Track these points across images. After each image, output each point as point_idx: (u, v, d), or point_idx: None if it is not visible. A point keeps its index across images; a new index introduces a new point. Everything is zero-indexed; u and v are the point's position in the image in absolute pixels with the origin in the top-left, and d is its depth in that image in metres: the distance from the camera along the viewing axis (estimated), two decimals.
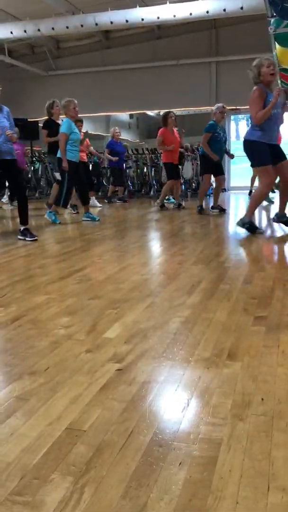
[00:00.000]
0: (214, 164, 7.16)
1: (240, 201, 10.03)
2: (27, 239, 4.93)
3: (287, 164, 4.76)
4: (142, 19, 10.34)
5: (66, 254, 4.10)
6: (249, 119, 4.85)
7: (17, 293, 2.81)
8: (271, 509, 1.01)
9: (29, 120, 11.79)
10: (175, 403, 1.48)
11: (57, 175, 6.77)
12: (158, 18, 10.29)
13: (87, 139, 8.72)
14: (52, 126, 7.11)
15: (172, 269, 3.37)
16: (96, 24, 10.56)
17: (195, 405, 1.45)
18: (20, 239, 4.98)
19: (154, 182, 11.75)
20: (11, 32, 10.99)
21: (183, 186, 11.77)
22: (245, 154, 4.92)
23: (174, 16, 10.13)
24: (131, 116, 18.35)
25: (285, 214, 5.10)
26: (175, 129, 8.18)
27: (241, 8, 9.62)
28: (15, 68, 14.09)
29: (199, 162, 11.28)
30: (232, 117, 13.56)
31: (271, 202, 8.99)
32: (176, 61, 13.00)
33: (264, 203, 8.89)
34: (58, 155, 6.31)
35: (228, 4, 9.68)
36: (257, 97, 4.59)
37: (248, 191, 11.54)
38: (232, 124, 13.85)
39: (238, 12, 9.83)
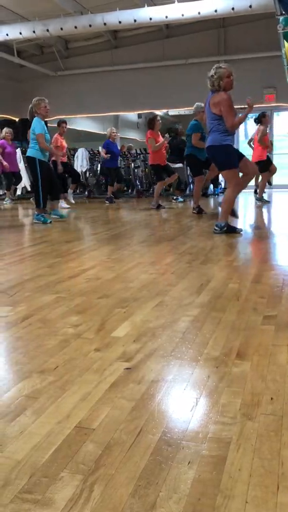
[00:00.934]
0: (202, 163, 7.21)
1: (249, 200, 9.98)
2: None
3: (246, 159, 5.06)
4: (151, 19, 10.32)
5: (75, 253, 4.11)
6: (212, 122, 4.99)
7: (27, 292, 2.82)
8: (281, 509, 1.01)
9: None
10: (184, 402, 1.47)
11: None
12: (167, 17, 10.27)
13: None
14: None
15: (181, 268, 3.37)
16: (105, 24, 10.56)
17: (204, 404, 1.45)
18: None
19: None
20: (20, 33, 11.03)
21: (191, 186, 11.77)
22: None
23: (183, 15, 10.11)
24: (139, 115, 18.34)
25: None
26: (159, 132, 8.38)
27: (250, 6, 9.57)
28: (24, 69, 14.15)
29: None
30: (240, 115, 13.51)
31: (266, 201, 8.96)
32: (184, 60, 12.97)
33: (258, 203, 8.90)
34: (30, 154, 6.32)
35: (236, 2, 9.64)
36: (231, 103, 4.85)
37: (254, 189, 11.58)
38: None
39: (246, 11, 9.79)
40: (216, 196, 11.22)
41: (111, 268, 3.44)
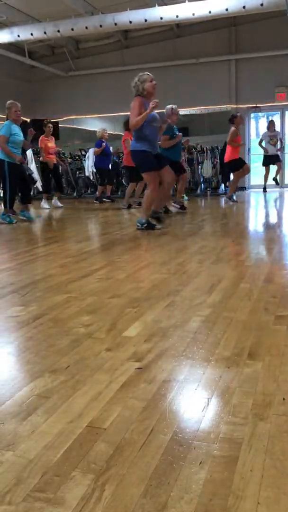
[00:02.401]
0: (174, 163, 7.38)
1: (260, 199, 9.93)
2: None
3: (167, 168, 5.56)
4: (161, 18, 10.32)
5: (86, 253, 4.12)
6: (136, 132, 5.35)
7: (38, 292, 2.84)
8: None
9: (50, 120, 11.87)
10: (196, 402, 1.47)
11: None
12: (177, 16, 10.26)
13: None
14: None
15: (192, 268, 3.36)
16: (115, 24, 10.58)
17: (215, 404, 1.45)
18: None
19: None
20: (31, 34, 11.10)
21: (202, 185, 11.76)
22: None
23: (193, 14, 10.09)
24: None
25: (157, 211, 5.71)
26: None
27: (261, 4, 9.52)
28: (35, 69, 14.22)
29: (219, 161, 11.26)
30: (252, 115, 13.46)
31: (235, 202, 9.01)
32: (195, 60, 12.94)
33: (228, 202, 8.99)
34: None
35: (247, 1, 9.59)
36: (137, 106, 5.17)
37: (262, 188, 11.59)
38: (252, 122, 13.74)
39: (258, 9, 9.74)
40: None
41: (122, 268, 3.44)
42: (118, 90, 13.88)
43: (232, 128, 8.56)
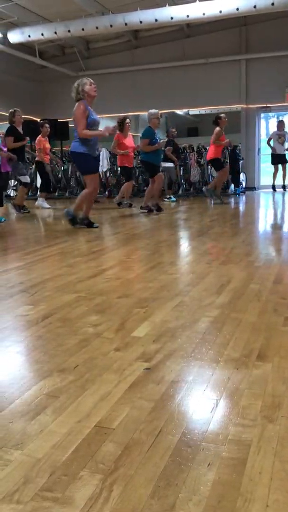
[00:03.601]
0: (155, 166, 7.69)
1: (269, 199, 9.89)
2: None
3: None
4: (172, 18, 10.30)
5: (95, 253, 4.13)
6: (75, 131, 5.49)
7: (47, 292, 2.84)
8: None
9: (59, 120, 11.90)
10: (204, 403, 1.46)
11: (22, 178, 7.81)
12: (188, 16, 10.23)
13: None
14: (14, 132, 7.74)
15: (201, 268, 3.35)
16: (126, 24, 10.58)
17: (224, 405, 1.44)
18: None
19: (182, 180, 11.70)
20: (42, 34, 11.14)
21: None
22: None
23: (204, 14, 10.05)
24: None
25: (87, 217, 5.74)
26: (130, 134, 8.71)
27: (272, 4, 9.47)
28: (46, 69, 14.26)
29: (228, 161, 11.24)
30: (262, 115, 13.40)
31: (219, 200, 9.06)
32: (205, 60, 12.90)
33: (215, 200, 9.07)
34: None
35: (258, 0, 9.54)
36: (83, 113, 5.30)
37: (271, 186, 11.62)
38: (262, 122, 13.68)
39: (268, 8, 9.69)
40: (237, 195, 11.15)
41: (131, 268, 3.44)
42: (128, 90, 13.92)
43: (217, 128, 8.72)
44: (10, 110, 7.88)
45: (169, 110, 14.57)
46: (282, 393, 1.50)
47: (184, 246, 4.62)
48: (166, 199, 10.01)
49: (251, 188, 12.95)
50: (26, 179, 8.06)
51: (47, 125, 9.13)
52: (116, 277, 3.18)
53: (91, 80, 5.53)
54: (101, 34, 12.01)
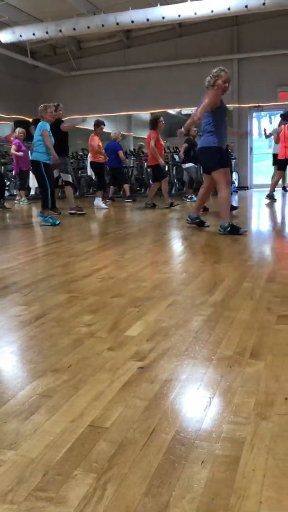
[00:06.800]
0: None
1: (262, 199, 9.91)
2: None
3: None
4: (163, 18, 10.31)
5: (88, 253, 4.12)
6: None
7: (40, 292, 2.84)
8: None
9: None
10: (198, 401, 1.47)
11: (63, 176, 7.54)
12: (179, 16, 10.25)
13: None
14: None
15: (194, 267, 3.36)
16: (117, 24, 10.58)
17: (217, 403, 1.44)
18: None
19: (175, 180, 11.71)
20: (33, 34, 11.11)
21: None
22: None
23: (195, 13, 10.08)
24: (151, 115, 18.36)
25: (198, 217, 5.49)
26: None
27: (263, 4, 9.51)
28: (37, 69, 14.23)
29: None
30: (254, 114, 13.44)
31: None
32: (197, 59, 12.92)
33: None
34: (36, 158, 6.31)
35: (250, 0, 9.58)
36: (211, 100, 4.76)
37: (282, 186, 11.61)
38: (255, 122, 13.72)
39: (260, 8, 9.74)
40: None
41: (124, 268, 3.44)
42: (120, 90, 13.92)
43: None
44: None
45: (162, 110, 14.57)
46: (275, 391, 1.50)
47: (177, 245, 4.63)
48: (187, 200, 9.79)
49: (243, 187, 12.99)
50: (68, 177, 7.66)
51: (102, 126, 8.83)
52: (109, 276, 3.18)
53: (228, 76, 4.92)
54: (93, 33, 12.00)
